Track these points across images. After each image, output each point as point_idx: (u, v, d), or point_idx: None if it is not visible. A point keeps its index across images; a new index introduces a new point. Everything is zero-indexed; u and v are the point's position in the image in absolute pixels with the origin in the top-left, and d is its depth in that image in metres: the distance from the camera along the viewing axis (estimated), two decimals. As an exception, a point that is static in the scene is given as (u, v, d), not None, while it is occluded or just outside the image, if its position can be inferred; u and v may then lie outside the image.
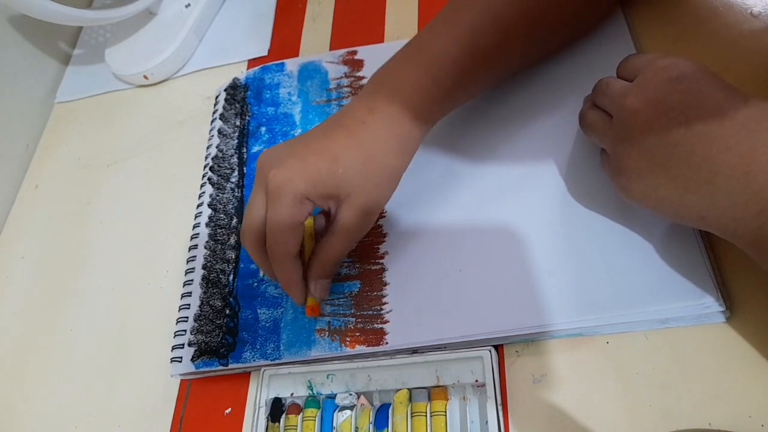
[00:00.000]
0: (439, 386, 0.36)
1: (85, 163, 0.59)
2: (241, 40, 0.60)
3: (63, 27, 0.65)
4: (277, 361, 0.40)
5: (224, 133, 0.52)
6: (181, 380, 0.43)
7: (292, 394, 0.39)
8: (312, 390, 0.39)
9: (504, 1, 0.38)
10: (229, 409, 0.41)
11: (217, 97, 0.56)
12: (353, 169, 0.36)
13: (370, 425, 0.36)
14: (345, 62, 0.53)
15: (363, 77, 0.51)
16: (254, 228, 0.37)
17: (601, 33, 0.45)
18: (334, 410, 0.38)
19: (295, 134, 0.51)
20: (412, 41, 0.39)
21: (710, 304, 0.33)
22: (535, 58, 0.44)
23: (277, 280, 0.39)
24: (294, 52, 0.57)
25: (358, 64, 0.53)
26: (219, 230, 0.47)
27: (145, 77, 0.60)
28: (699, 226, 0.31)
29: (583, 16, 0.43)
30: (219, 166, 0.50)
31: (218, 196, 0.49)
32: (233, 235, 0.47)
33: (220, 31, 0.62)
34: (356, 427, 0.37)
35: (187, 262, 0.47)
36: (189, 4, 0.61)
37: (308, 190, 0.36)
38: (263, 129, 0.52)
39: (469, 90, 0.41)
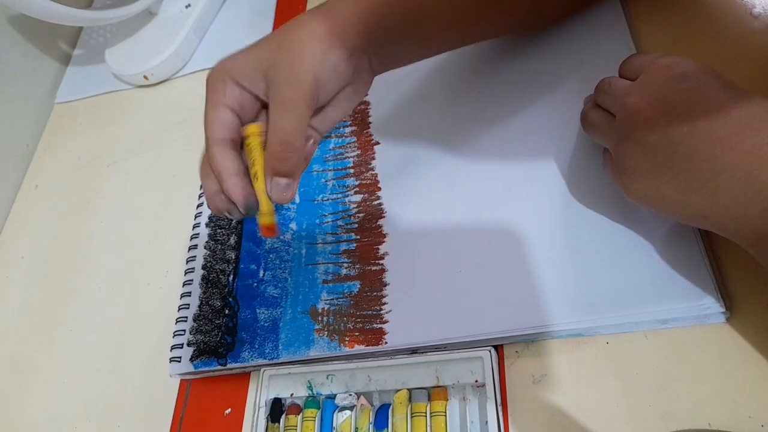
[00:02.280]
0: (438, 386, 0.36)
1: (85, 163, 0.59)
2: (241, 40, 0.59)
3: (63, 27, 0.65)
4: (275, 361, 0.40)
5: (224, 133, 0.52)
6: (181, 380, 0.43)
7: (291, 394, 0.39)
8: (312, 390, 0.39)
9: None
10: (229, 410, 0.41)
11: (217, 97, 0.56)
12: (275, 37, 0.35)
13: (370, 425, 0.36)
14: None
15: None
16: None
17: (601, 33, 0.45)
18: (334, 410, 0.38)
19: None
20: None
21: (710, 305, 0.33)
22: (500, 20, 0.41)
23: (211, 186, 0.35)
24: (294, 53, 0.57)
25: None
26: (219, 230, 0.47)
27: (145, 77, 0.60)
28: (701, 225, 0.31)
29: None
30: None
31: (218, 196, 0.49)
32: (233, 235, 0.47)
33: (220, 31, 0.62)
34: (356, 428, 0.37)
35: (187, 262, 0.47)
36: (189, 5, 0.61)
37: (229, 68, 0.34)
38: (263, 129, 0.52)
39: (412, 24, 0.37)
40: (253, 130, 0.34)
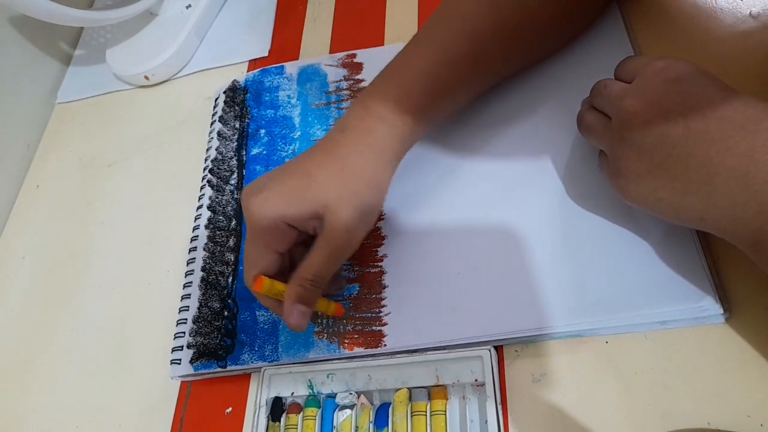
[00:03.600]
0: (438, 385, 0.36)
1: (85, 164, 0.59)
2: (241, 41, 0.61)
3: (64, 28, 0.65)
4: (275, 363, 0.40)
5: (224, 135, 0.53)
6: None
7: (292, 393, 0.39)
8: (312, 389, 0.39)
9: (475, 14, 0.39)
10: (230, 409, 0.41)
11: (216, 99, 0.56)
12: (328, 179, 0.35)
13: (370, 424, 0.37)
14: (344, 65, 0.53)
15: (362, 80, 0.52)
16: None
17: (598, 35, 0.45)
18: (335, 409, 0.38)
19: (294, 137, 0.51)
20: (388, 63, 0.39)
21: (708, 306, 0.33)
22: (514, 69, 0.44)
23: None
24: (294, 53, 0.58)
25: (357, 67, 0.53)
26: (218, 232, 0.47)
27: (146, 78, 0.60)
28: (698, 227, 0.31)
29: (561, 28, 0.44)
30: (218, 169, 0.50)
31: (217, 198, 0.49)
32: (232, 237, 0.47)
33: (220, 32, 0.62)
34: (356, 426, 0.37)
35: (187, 263, 0.47)
36: (190, 5, 0.61)
37: (283, 210, 0.35)
38: (262, 131, 0.52)
39: (446, 102, 0.40)
40: (265, 287, 0.36)
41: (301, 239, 0.37)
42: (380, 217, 0.44)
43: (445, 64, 0.38)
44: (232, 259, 0.46)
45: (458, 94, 0.41)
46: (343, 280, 0.42)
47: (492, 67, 0.41)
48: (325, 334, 0.40)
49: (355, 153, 0.36)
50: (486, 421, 0.34)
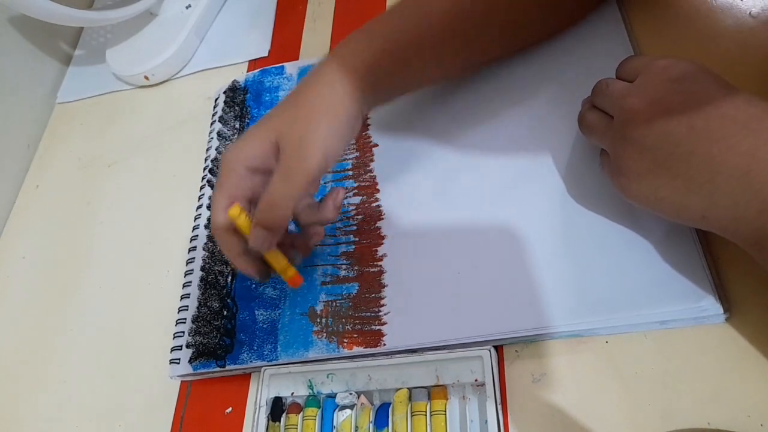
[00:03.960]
0: (438, 385, 0.36)
1: (85, 164, 0.59)
2: (241, 41, 0.61)
3: (64, 28, 0.65)
4: (274, 363, 0.40)
5: (223, 135, 0.53)
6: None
7: (292, 393, 0.39)
8: (312, 389, 0.39)
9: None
10: (230, 409, 0.41)
11: (216, 99, 0.56)
12: (281, 112, 0.36)
13: (370, 424, 0.36)
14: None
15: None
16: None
17: (599, 35, 0.45)
18: (335, 409, 0.38)
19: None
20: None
21: (708, 306, 0.33)
22: (499, 47, 0.43)
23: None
24: (294, 53, 0.58)
25: (358, 65, 0.53)
26: (219, 230, 0.47)
27: (146, 78, 0.60)
28: (700, 226, 0.31)
29: (553, 13, 0.43)
30: (218, 169, 0.50)
31: (218, 196, 0.49)
32: (233, 235, 0.47)
33: (220, 32, 0.62)
34: (356, 426, 0.37)
35: (186, 263, 0.47)
36: (189, 5, 0.61)
37: (240, 155, 0.36)
38: (263, 130, 0.52)
39: (417, 63, 0.39)
40: (234, 212, 0.36)
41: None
42: (380, 216, 0.44)
43: (419, 23, 0.38)
44: (232, 259, 0.46)
45: (431, 58, 0.40)
46: (299, 256, 0.41)
47: (471, 38, 0.40)
48: (325, 334, 0.40)
49: (311, 85, 0.37)
50: (486, 421, 0.34)
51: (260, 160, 0.36)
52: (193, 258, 0.47)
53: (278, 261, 0.37)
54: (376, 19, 0.39)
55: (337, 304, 0.41)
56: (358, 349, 0.39)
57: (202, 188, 0.51)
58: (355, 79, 0.37)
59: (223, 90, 0.55)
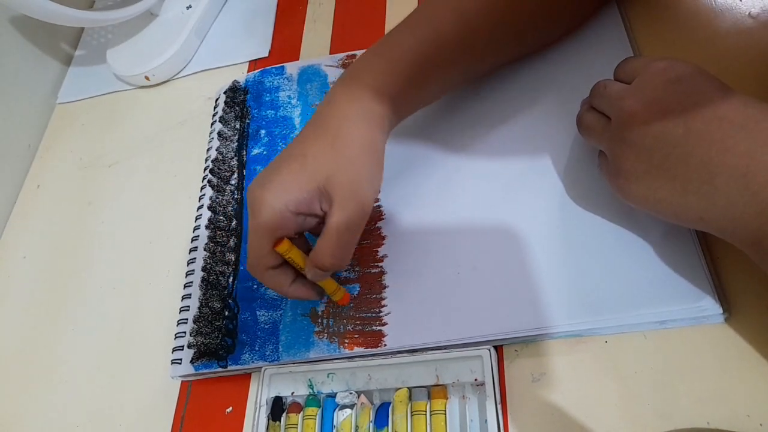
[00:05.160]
0: (438, 385, 0.36)
1: (86, 164, 0.59)
2: (242, 42, 0.61)
3: (65, 28, 0.65)
4: (275, 363, 0.40)
5: (224, 135, 0.53)
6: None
7: (292, 392, 0.39)
8: (312, 389, 0.39)
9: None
10: (230, 408, 0.41)
11: (216, 99, 0.56)
12: (323, 152, 0.35)
13: (371, 424, 0.37)
14: (344, 66, 0.53)
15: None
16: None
17: (598, 36, 0.45)
18: (335, 409, 0.38)
19: (295, 137, 0.51)
20: (376, 42, 0.40)
21: (708, 306, 0.33)
22: (503, 56, 0.44)
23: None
24: (295, 53, 0.58)
25: (358, 66, 0.53)
26: (219, 232, 0.47)
27: (147, 78, 0.60)
28: (698, 227, 0.31)
29: (553, 18, 0.43)
30: (219, 169, 0.51)
31: (218, 198, 0.49)
32: (232, 237, 0.47)
33: (221, 32, 0.62)
34: (356, 426, 0.37)
35: (188, 263, 0.47)
36: (190, 6, 0.61)
37: (287, 197, 0.35)
38: (263, 132, 0.52)
39: (433, 81, 0.40)
40: (284, 248, 0.36)
41: (309, 227, 0.38)
42: (380, 217, 0.44)
43: (433, 43, 0.38)
44: (233, 259, 0.46)
45: (445, 75, 0.40)
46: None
47: (480, 50, 0.41)
48: (326, 334, 0.40)
49: (345, 121, 0.36)
50: (486, 421, 0.34)
51: (306, 206, 0.35)
52: (194, 258, 0.47)
53: (329, 285, 0.39)
54: (388, 39, 0.39)
55: (338, 305, 0.41)
56: (359, 350, 0.39)
57: (202, 188, 0.51)
58: (384, 109, 0.37)
59: (224, 90, 0.56)
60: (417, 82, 0.39)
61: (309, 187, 0.35)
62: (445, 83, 0.42)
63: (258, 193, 0.35)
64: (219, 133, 0.53)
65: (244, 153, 0.52)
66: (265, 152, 0.51)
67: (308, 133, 0.37)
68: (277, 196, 0.35)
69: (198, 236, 0.48)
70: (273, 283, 0.38)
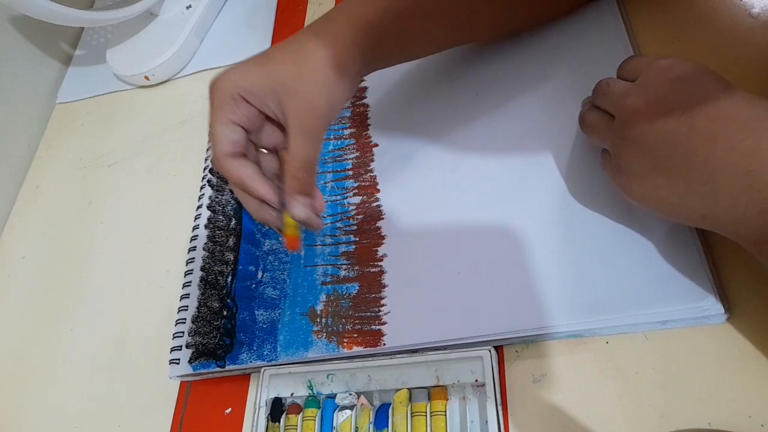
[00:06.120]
0: (438, 386, 0.36)
1: (86, 164, 0.59)
2: (241, 41, 0.61)
3: (64, 28, 0.65)
4: (273, 363, 0.40)
5: (225, 133, 0.52)
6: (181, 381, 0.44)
7: (292, 393, 0.39)
8: (312, 390, 0.39)
9: None
10: (230, 409, 0.41)
11: (217, 98, 0.56)
12: (285, 58, 0.35)
13: (370, 425, 0.36)
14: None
15: (362, 80, 0.51)
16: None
17: (599, 35, 0.45)
18: (335, 410, 0.38)
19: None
20: None
21: (709, 307, 0.33)
22: (494, 22, 0.43)
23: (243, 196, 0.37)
24: (294, 53, 0.58)
25: (358, 65, 0.53)
26: (218, 232, 0.47)
27: (147, 78, 0.60)
28: (701, 226, 0.31)
29: None
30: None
31: (217, 197, 0.49)
32: (231, 236, 0.47)
33: (221, 32, 0.62)
34: (356, 427, 0.37)
35: (186, 263, 0.47)
36: (190, 5, 0.61)
37: (240, 82, 0.34)
38: (264, 130, 0.52)
39: (418, 25, 0.39)
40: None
41: (261, 123, 0.36)
42: (380, 216, 0.44)
43: None
44: (232, 259, 0.46)
45: (429, 23, 0.40)
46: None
47: (461, 8, 0.40)
48: (324, 334, 0.40)
49: (313, 36, 0.36)
50: (486, 422, 0.34)
51: (257, 98, 0.35)
52: (193, 258, 0.47)
53: (288, 218, 0.36)
54: None
55: (338, 304, 0.41)
56: (358, 349, 0.39)
57: (202, 188, 0.51)
58: (358, 36, 0.37)
59: (224, 90, 0.55)
60: (400, 21, 0.38)
61: (262, 83, 0.35)
62: (432, 34, 0.41)
63: (215, 79, 0.36)
64: (219, 133, 0.52)
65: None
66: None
67: (282, 43, 0.37)
68: (230, 80, 0.35)
69: (197, 236, 0.48)
70: (234, 173, 0.35)
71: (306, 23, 0.59)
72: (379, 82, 0.51)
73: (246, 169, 0.35)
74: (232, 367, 0.41)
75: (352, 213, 0.45)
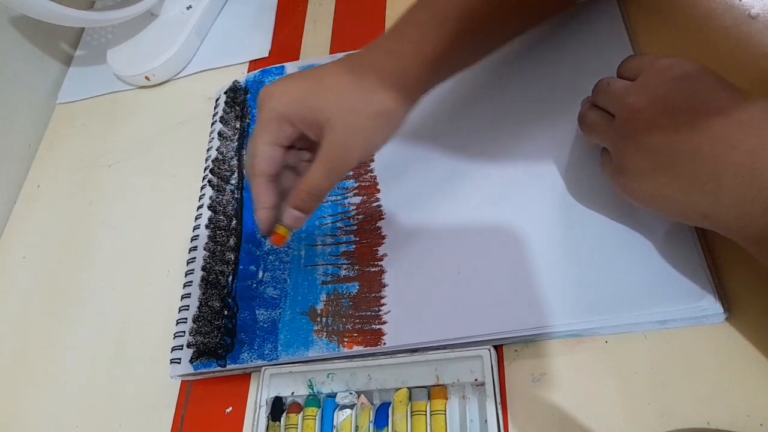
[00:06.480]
0: (438, 385, 0.36)
1: (86, 164, 0.59)
2: (242, 42, 0.61)
3: (65, 28, 0.65)
4: (274, 362, 0.40)
5: (224, 135, 0.53)
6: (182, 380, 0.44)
7: (292, 393, 0.39)
8: (312, 389, 0.39)
9: None
10: (230, 408, 0.41)
11: (217, 99, 0.56)
12: (337, 89, 0.34)
13: (370, 424, 0.37)
14: (345, 64, 0.53)
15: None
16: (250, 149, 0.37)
17: (599, 34, 0.45)
18: (335, 409, 0.38)
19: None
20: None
21: (708, 306, 0.33)
22: (531, 19, 0.43)
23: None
24: (295, 54, 0.58)
25: (358, 66, 0.53)
26: (218, 232, 0.47)
27: (147, 78, 0.60)
28: (703, 225, 0.31)
29: None
30: (219, 169, 0.51)
31: (218, 198, 0.49)
32: (232, 236, 0.47)
33: (221, 33, 0.63)
34: (356, 426, 0.37)
35: (187, 263, 0.47)
36: (190, 6, 0.61)
37: (285, 108, 0.35)
38: (264, 130, 0.52)
39: (478, 40, 0.39)
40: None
41: (303, 144, 0.37)
42: (380, 216, 0.44)
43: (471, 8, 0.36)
44: (233, 259, 0.46)
45: (488, 33, 0.39)
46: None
47: (511, 15, 0.39)
48: (325, 333, 0.40)
49: (374, 70, 0.35)
50: (486, 421, 0.34)
51: (300, 125, 0.35)
52: (194, 258, 0.47)
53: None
54: (417, 6, 0.38)
55: (338, 304, 0.41)
56: (358, 349, 0.39)
57: (202, 188, 0.51)
58: (421, 72, 0.36)
59: (224, 90, 0.56)
60: (462, 40, 0.37)
61: (308, 114, 0.35)
62: (486, 45, 0.40)
63: (266, 93, 0.36)
64: (219, 133, 0.53)
65: (244, 152, 0.52)
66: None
67: (336, 64, 0.36)
68: (280, 102, 0.35)
69: (198, 236, 0.48)
70: (259, 192, 0.36)
71: (306, 23, 0.59)
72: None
73: (265, 194, 0.36)
74: (232, 366, 0.41)
75: (353, 213, 0.45)
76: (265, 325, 0.42)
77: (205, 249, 0.47)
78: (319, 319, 0.41)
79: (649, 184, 0.31)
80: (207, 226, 0.48)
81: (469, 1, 0.36)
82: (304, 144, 0.37)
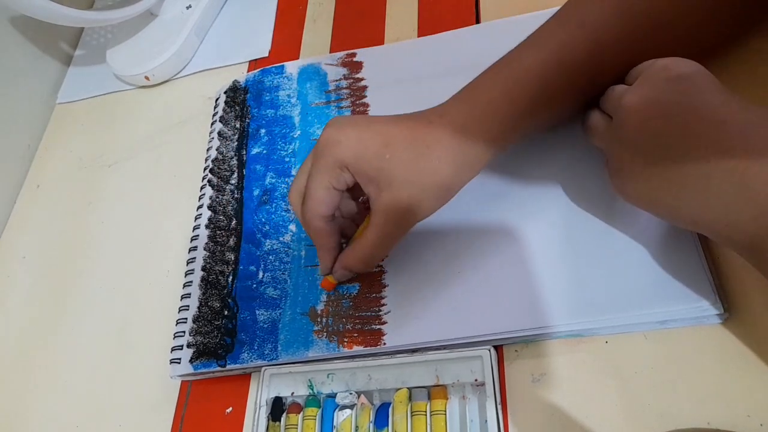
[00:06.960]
0: (438, 385, 0.36)
1: (86, 164, 0.59)
2: (241, 41, 0.61)
3: (64, 28, 0.65)
4: (274, 362, 0.40)
5: (224, 135, 0.53)
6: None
7: (292, 393, 0.39)
8: (312, 389, 0.39)
9: (601, 15, 0.35)
10: (230, 409, 0.41)
11: (217, 99, 0.56)
12: (402, 160, 0.34)
13: (370, 424, 0.37)
14: (344, 64, 0.53)
15: (362, 79, 0.52)
16: (298, 186, 0.38)
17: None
18: (335, 409, 0.38)
19: (294, 136, 0.51)
20: (502, 57, 0.37)
21: (708, 306, 0.33)
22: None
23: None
24: (295, 53, 0.58)
25: (357, 66, 0.53)
26: (218, 232, 0.47)
27: (147, 78, 0.60)
28: (693, 229, 0.31)
29: (704, 29, 0.37)
30: (219, 169, 0.51)
31: (218, 197, 0.49)
32: (232, 236, 0.47)
33: (221, 32, 0.62)
34: (356, 426, 0.37)
35: (187, 263, 0.47)
36: (190, 6, 0.61)
37: (349, 160, 0.35)
38: (263, 131, 0.52)
39: (551, 112, 0.37)
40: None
41: (357, 194, 0.39)
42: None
43: (558, 68, 0.35)
44: (233, 259, 0.46)
45: (563, 106, 0.37)
46: None
47: (605, 74, 0.36)
48: (325, 333, 0.40)
49: (441, 146, 0.35)
50: (486, 421, 0.34)
51: (362, 180, 0.36)
52: (194, 258, 0.47)
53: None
54: (515, 53, 0.36)
55: (338, 304, 0.41)
56: (358, 349, 0.39)
57: (202, 188, 0.51)
58: (488, 147, 0.36)
59: (224, 90, 0.56)
60: (534, 114, 0.36)
61: (370, 172, 0.35)
62: (561, 114, 0.38)
63: (329, 135, 0.36)
64: (219, 133, 0.53)
65: (244, 152, 0.52)
66: (264, 151, 0.51)
67: (404, 127, 0.35)
68: (343, 148, 0.35)
69: (198, 236, 0.48)
70: (319, 237, 0.38)
71: (306, 23, 0.59)
72: (379, 81, 0.51)
73: (327, 239, 0.38)
74: (232, 366, 0.41)
75: (353, 213, 0.45)
76: (265, 326, 0.42)
77: (205, 249, 0.47)
78: (319, 320, 0.41)
79: (641, 186, 0.31)
80: (207, 226, 0.48)
81: (542, 77, 0.35)
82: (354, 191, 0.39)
